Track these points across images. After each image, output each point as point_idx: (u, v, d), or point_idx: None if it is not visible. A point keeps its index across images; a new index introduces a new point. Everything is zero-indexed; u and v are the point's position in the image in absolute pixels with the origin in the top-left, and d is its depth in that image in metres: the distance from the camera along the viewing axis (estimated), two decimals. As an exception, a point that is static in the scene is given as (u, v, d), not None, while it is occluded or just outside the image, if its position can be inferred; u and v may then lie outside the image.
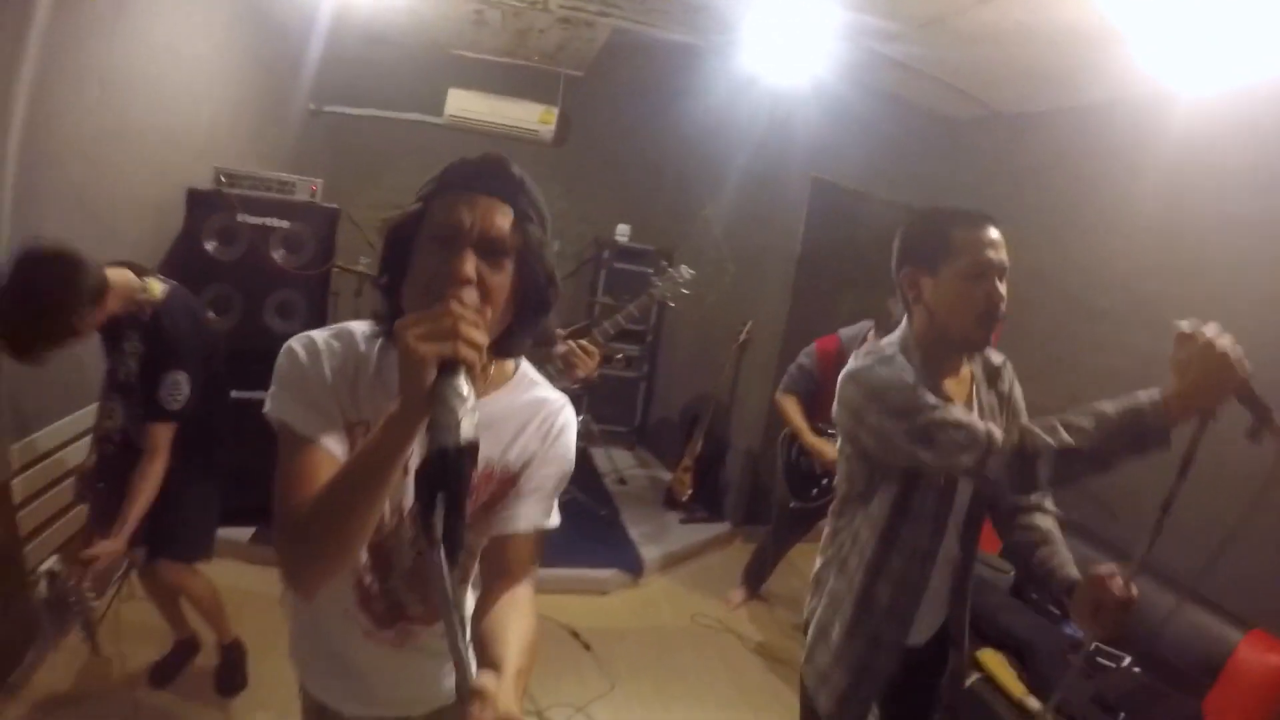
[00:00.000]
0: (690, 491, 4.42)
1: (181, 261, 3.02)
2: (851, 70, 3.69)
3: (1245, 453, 2.53)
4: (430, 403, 0.72)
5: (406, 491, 1.02)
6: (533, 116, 4.81)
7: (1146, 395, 1.21)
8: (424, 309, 0.78)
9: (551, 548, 2.92)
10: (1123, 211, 3.15)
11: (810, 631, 1.62)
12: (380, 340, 1.00)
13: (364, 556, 1.06)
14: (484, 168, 0.91)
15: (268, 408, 0.95)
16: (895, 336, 1.52)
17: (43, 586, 2.38)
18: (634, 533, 4.06)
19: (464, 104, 4.62)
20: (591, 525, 4.04)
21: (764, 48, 3.53)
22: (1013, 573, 3.09)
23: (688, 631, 3.40)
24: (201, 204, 3.01)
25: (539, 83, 4.85)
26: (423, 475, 0.67)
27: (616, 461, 5.05)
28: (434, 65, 4.60)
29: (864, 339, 3.03)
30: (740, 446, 4.46)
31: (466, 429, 0.69)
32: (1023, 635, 2.63)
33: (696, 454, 4.44)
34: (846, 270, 4.22)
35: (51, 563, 2.44)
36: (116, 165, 2.63)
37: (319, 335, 0.99)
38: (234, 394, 3.19)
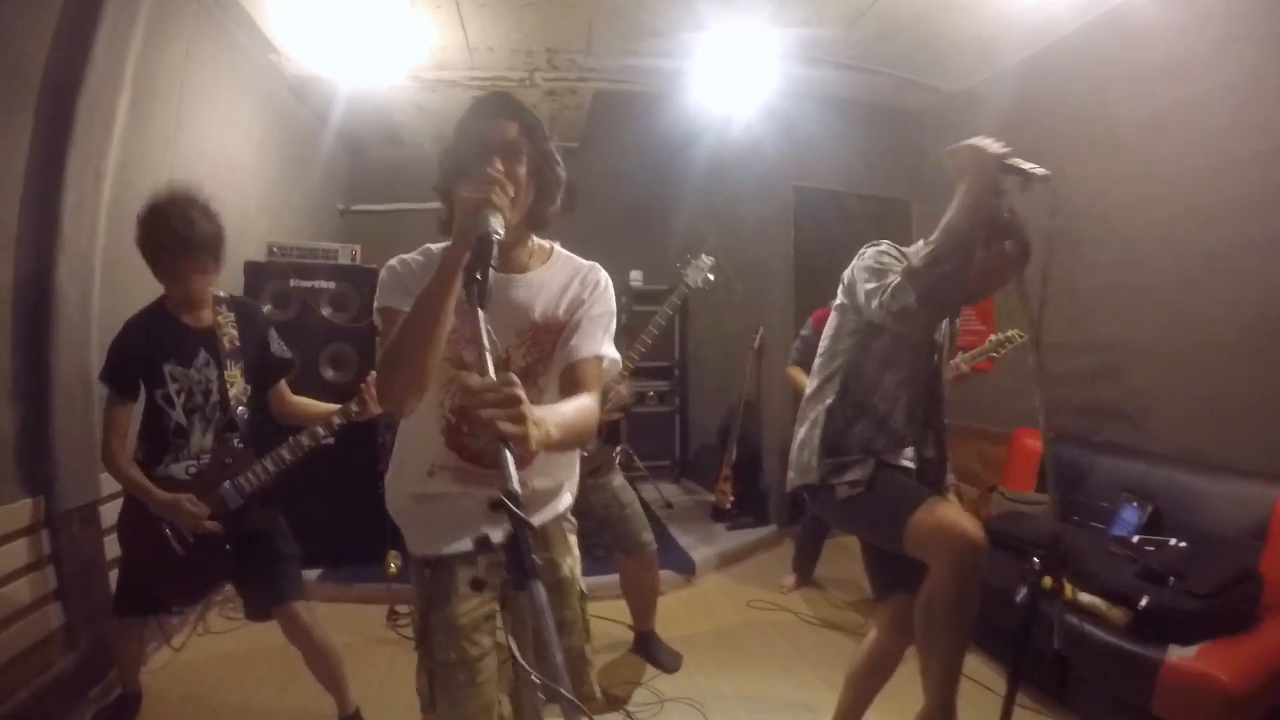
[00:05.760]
0: (732, 499, 4.55)
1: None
2: (806, 83, 4.12)
3: (1209, 340, 2.72)
4: (472, 225, 1.08)
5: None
6: (540, 189, 5.35)
7: (951, 206, 1.63)
8: None
9: (602, 559, 3.09)
10: (1073, 146, 3.39)
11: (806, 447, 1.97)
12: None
13: (453, 417, 1.36)
14: (493, 99, 1.32)
15: (375, 306, 1.32)
16: (913, 247, 1.95)
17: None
18: (682, 541, 4.19)
19: (476, 188, 5.22)
20: (640, 540, 4.17)
21: (721, 79, 3.99)
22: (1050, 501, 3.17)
23: (744, 615, 3.48)
24: (257, 273, 3.48)
25: (540, 158, 5.41)
26: (468, 263, 1.04)
27: (663, 492, 5.19)
28: (445, 156, 5.21)
29: None
30: (774, 449, 4.61)
31: (494, 226, 1.08)
32: (1067, 543, 2.68)
33: (733, 463, 4.60)
34: (839, 263, 4.40)
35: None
36: (185, 247, 3.11)
37: (406, 255, 1.36)
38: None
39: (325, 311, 3.56)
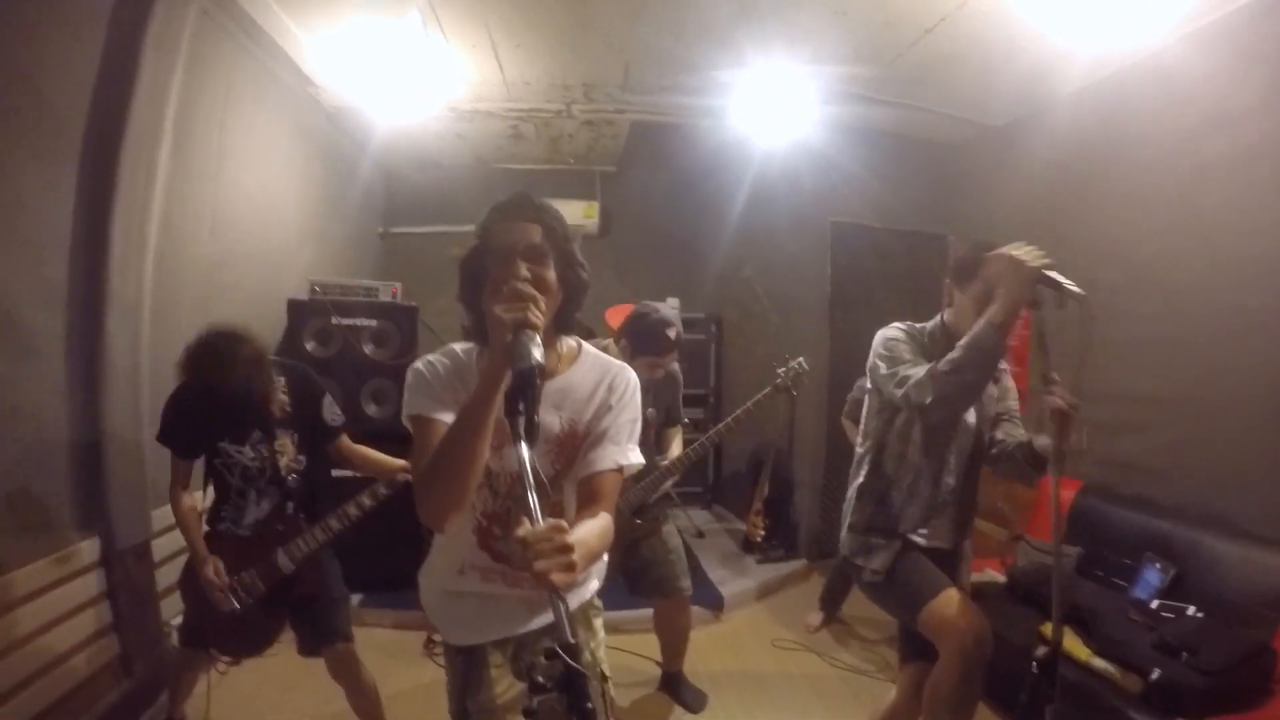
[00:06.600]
0: (763, 533, 4.53)
1: (287, 361, 3.59)
2: (843, 117, 4.09)
3: (1241, 398, 2.66)
4: (513, 353, 1.05)
5: (513, 460, 1.27)
6: (577, 213, 5.38)
7: (985, 317, 1.63)
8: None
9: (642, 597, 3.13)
10: (1112, 190, 3.32)
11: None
12: (476, 350, 1.38)
13: (484, 520, 1.38)
14: (515, 203, 1.30)
15: (405, 413, 1.30)
16: (930, 323, 2.03)
17: (175, 637, 2.66)
18: (713, 575, 4.20)
19: (514, 210, 5.32)
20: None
21: (759, 114, 3.98)
22: (1074, 554, 3.11)
23: (769, 654, 3.50)
24: (300, 311, 3.60)
25: (577, 182, 5.48)
26: (510, 392, 1.02)
27: (694, 519, 5.22)
28: (483, 180, 5.31)
29: None
30: (805, 483, 4.60)
31: (536, 356, 1.03)
32: (1087, 605, 2.66)
33: (765, 497, 4.58)
34: (875, 300, 4.45)
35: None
36: (228, 284, 3.22)
37: (431, 356, 1.36)
38: (335, 473, 3.73)
39: (367, 348, 3.67)
